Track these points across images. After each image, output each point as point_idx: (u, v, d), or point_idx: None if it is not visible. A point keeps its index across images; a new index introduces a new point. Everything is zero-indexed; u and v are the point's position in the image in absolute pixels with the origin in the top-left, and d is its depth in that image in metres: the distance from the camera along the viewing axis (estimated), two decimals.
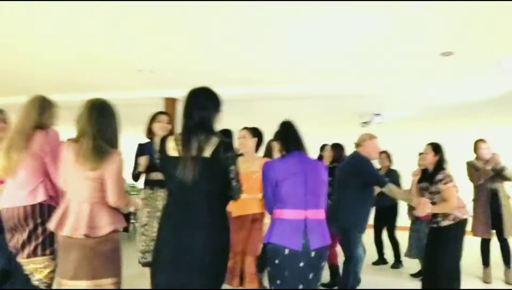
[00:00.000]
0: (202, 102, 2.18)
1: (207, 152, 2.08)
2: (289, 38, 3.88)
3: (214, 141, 2.10)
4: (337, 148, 4.96)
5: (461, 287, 3.77)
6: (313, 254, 2.38)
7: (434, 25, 3.46)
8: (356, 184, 3.73)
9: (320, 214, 2.47)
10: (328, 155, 4.96)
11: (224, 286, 2.37)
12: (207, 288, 2.06)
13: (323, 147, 5.13)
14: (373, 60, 4.49)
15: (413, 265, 5.36)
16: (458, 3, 3.00)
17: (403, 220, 5.50)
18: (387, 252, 5.85)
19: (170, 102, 6.03)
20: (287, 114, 7.02)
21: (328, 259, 4.04)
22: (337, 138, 5.13)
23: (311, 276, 2.41)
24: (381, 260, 5.84)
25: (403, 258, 5.51)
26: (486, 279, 4.98)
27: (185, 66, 4.80)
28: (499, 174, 4.82)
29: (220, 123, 2.25)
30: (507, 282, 4.89)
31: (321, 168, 2.61)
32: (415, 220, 5.00)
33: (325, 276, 4.07)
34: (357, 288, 3.92)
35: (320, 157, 5.05)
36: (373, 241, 5.82)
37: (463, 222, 3.72)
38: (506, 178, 4.85)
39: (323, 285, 4.35)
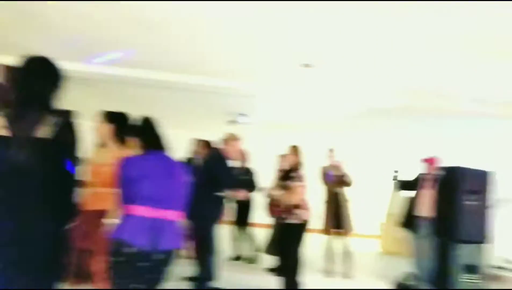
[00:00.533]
0: (39, 74, 1.89)
1: (43, 132, 1.81)
2: (159, 21, 3.59)
3: (51, 120, 1.84)
4: (207, 145, 4.94)
5: (304, 279, 4.21)
6: (160, 254, 2.31)
7: (296, 36, 3.59)
8: (210, 180, 3.93)
9: (174, 215, 2.41)
10: (200, 151, 4.89)
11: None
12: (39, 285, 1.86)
13: (195, 142, 5.03)
14: (238, 60, 4.49)
15: (270, 260, 5.57)
16: (321, 16, 3.16)
17: (262, 217, 5.67)
18: (244, 247, 5.97)
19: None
20: (152, 102, 6.62)
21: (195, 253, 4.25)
22: (203, 134, 5.06)
23: (155, 276, 2.36)
24: (237, 256, 5.95)
25: (261, 254, 5.72)
26: (328, 272, 5.49)
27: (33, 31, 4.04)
28: (341, 180, 5.45)
29: (69, 103, 1.92)
30: (345, 276, 5.46)
31: (181, 169, 2.55)
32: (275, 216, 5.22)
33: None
34: (213, 283, 4.03)
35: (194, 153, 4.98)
36: (230, 237, 5.88)
37: (306, 222, 4.22)
38: (346, 184, 5.48)
39: (190, 279, 4.24)
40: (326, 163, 5.53)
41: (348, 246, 5.51)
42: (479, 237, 4.64)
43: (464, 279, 4.52)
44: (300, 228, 4.19)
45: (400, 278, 3.89)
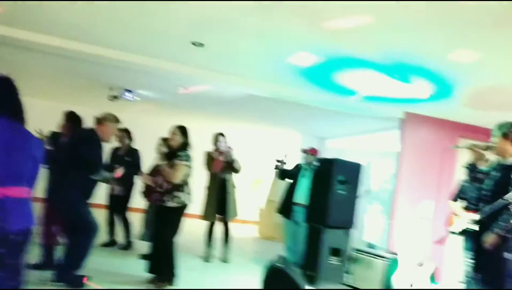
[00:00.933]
0: None
1: None
2: None
3: None
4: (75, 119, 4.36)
5: (183, 264, 4.13)
6: (13, 236, 2.03)
7: (188, 11, 3.37)
8: (76, 160, 3.70)
9: (23, 192, 2.12)
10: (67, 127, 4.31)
11: None
12: None
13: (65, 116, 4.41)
14: (128, 32, 4.10)
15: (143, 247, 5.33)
16: None
17: (138, 201, 5.38)
18: (118, 233, 5.61)
19: None
20: (15, 65, 5.67)
21: (45, 238, 3.99)
22: (81, 108, 4.53)
23: (11, 261, 2.06)
24: (111, 242, 5.56)
25: (136, 240, 5.43)
26: (206, 257, 5.46)
27: None
28: (230, 166, 5.40)
29: None
30: (224, 260, 5.52)
31: (34, 141, 2.24)
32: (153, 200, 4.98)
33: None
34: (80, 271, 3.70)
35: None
36: (105, 222, 5.46)
37: (185, 206, 4.13)
38: (235, 170, 5.46)
39: (34, 266, 3.78)
40: (214, 148, 5.45)
41: (229, 231, 5.57)
42: (346, 223, 5.08)
43: (330, 261, 4.92)
44: (179, 212, 4.07)
45: (272, 261, 4.06)
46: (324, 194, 4.98)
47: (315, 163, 5.46)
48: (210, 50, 4.29)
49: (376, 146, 7.32)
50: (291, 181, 5.66)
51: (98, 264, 4.22)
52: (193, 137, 4.25)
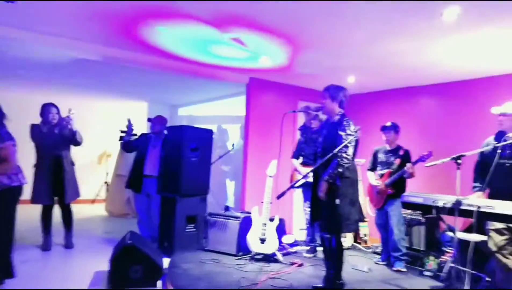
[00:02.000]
0: None
1: None
2: None
3: None
4: None
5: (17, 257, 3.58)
6: None
7: None
8: None
9: None
10: None
11: None
12: None
13: None
14: None
15: None
16: None
17: None
18: None
19: None
20: None
21: None
22: None
23: None
24: None
25: None
26: (45, 247, 4.79)
27: None
28: (67, 139, 4.78)
29: None
30: (67, 246, 4.93)
31: None
32: None
33: None
34: None
35: None
36: None
37: (15, 189, 3.49)
38: (74, 143, 4.85)
39: None
40: (45, 120, 4.71)
41: (70, 214, 4.97)
42: (200, 190, 5.05)
43: (187, 229, 4.86)
44: (8, 196, 3.44)
45: (122, 238, 3.81)
46: (175, 162, 4.83)
47: (163, 132, 5.23)
48: (22, 7, 3.58)
49: (226, 111, 7.44)
50: (140, 153, 5.32)
51: None
52: (15, 109, 3.53)
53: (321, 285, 3.63)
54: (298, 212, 5.92)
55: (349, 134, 3.36)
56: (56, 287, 3.54)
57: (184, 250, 4.70)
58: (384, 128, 4.71)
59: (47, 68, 5.80)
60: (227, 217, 4.82)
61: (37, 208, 4.81)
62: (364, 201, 5.49)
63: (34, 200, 4.67)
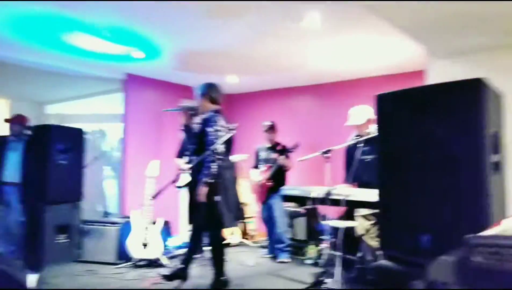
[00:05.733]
0: None
1: None
2: None
3: None
4: None
5: None
6: None
7: None
8: None
9: None
10: None
11: None
12: None
13: None
14: None
15: None
16: None
17: None
18: None
19: None
20: None
21: None
22: None
23: None
24: None
25: None
26: None
27: None
28: None
29: None
30: None
31: None
32: None
33: None
34: None
35: None
36: None
37: None
38: None
39: None
40: None
41: None
42: (72, 196, 4.57)
43: (58, 240, 4.36)
44: None
45: None
46: (40, 166, 4.29)
47: (25, 132, 4.58)
48: None
49: (102, 109, 6.87)
50: None
51: None
52: None
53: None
54: (185, 213, 5.76)
55: (218, 130, 3.33)
56: None
57: (55, 264, 4.20)
58: (263, 127, 4.86)
59: None
60: (104, 224, 4.45)
61: None
62: (251, 198, 5.58)
63: None
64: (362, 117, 3.75)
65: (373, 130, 3.67)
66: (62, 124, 4.84)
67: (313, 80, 5.79)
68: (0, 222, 4.57)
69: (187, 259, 3.56)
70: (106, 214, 4.89)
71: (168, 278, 3.52)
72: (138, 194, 5.06)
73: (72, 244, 4.49)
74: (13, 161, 4.52)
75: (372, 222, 3.53)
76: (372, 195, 3.12)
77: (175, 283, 3.51)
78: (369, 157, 3.58)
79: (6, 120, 4.70)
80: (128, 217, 4.52)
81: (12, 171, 4.49)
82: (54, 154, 4.37)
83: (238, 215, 3.75)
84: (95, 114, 6.91)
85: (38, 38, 4.20)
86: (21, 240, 4.40)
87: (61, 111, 7.47)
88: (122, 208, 5.47)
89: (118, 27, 3.85)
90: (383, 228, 2.62)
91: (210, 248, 3.49)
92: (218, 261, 3.47)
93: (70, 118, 6.89)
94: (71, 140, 4.61)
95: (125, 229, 4.37)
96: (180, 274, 3.51)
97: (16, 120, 4.64)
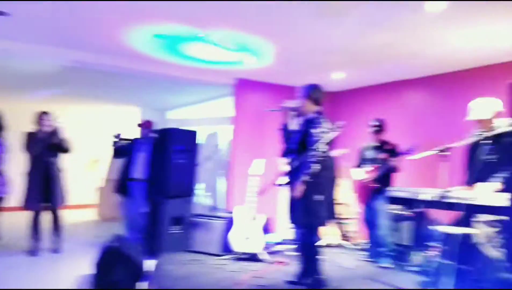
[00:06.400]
0: None
1: None
2: None
3: None
4: None
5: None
6: None
7: None
8: None
9: None
10: None
11: None
12: None
13: None
14: None
15: None
16: None
17: None
18: None
19: None
20: None
21: None
22: None
23: None
24: None
25: None
26: (33, 253, 4.81)
27: None
28: (58, 146, 4.83)
29: None
30: (55, 251, 4.96)
31: None
32: None
33: None
34: None
35: None
36: None
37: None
38: (63, 151, 4.91)
39: None
40: (36, 128, 4.77)
41: (59, 219, 5.01)
42: (186, 191, 5.07)
43: (172, 231, 4.87)
44: None
45: (107, 242, 3.81)
46: (162, 165, 4.86)
47: (151, 135, 5.25)
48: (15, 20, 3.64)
49: (214, 113, 7.45)
50: (128, 157, 5.34)
51: None
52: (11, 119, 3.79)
53: (294, 280, 3.63)
54: (284, 211, 5.91)
55: (321, 132, 3.37)
56: None
57: (170, 252, 4.72)
58: (370, 124, 4.70)
59: (39, 78, 5.87)
60: (212, 218, 4.83)
61: (22, 215, 4.83)
62: (352, 198, 5.47)
63: (25, 207, 4.73)
64: (487, 110, 3.38)
65: (500, 125, 3.32)
66: (180, 128, 5.40)
67: (429, 70, 5.23)
68: (127, 213, 5.32)
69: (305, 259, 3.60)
70: (214, 209, 5.30)
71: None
72: (243, 191, 5.38)
73: (184, 235, 4.98)
74: (141, 160, 5.22)
75: (497, 229, 3.19)
76: (499, 199, 2.83)
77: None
78: (494, 157, 3.24)
79: (138, 125, 5.45)
80: (231, 212, 4.83)
81: (140, 169, 5.19)
82: (173, 154, 4.89)
83: (332, 215, 3.74)
84: (208, 117, 7.52)
85: (165, 51, 4.70)
86: (143, 229, 5.05)
87: (179, 116, 8.32)
88: (228, 204, 5.86)
89: (232, 34, 4.06)
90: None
91: (304, 246, 3.54)
92: (312, 259, 3.52)
93: (186, 122, 7.63)
94: (187, 141, 5.11)
95: (230, 223, 4.69)
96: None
97: (145, 125, 5.36)
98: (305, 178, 3.35)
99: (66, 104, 8.06)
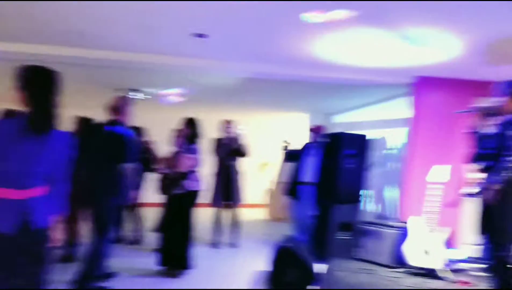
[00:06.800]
0: None
1: None
2: None
3: None
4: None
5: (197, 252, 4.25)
6: (32, 235, 2.05)
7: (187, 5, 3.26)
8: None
9: (44, 190, 2.12)
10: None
11: None
12: None
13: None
14: (125, 31, 4.02)
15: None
16: None
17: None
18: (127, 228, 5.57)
19: None
20: None
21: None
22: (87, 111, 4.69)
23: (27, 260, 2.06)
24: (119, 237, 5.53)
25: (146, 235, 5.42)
26: (216, 245, 5.44)
27: None
28: (237, 152, 5.39)
29: None
30: (232, 246, 5.46)
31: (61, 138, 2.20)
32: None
33: None
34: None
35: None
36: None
37: (195, 193, 4.20)
38: (241, 155, 5.44)
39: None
40: (222, 134, 5.43)
41: (237, 217, 5.51)
42: (355, 197, 4.93)
43: (340, 236, 4.78)
44: (188, 199, 4.14)
45: (281, 241, 3.97)
46: (332, 169, 4.83)
47: (321, 139, 5.30)
48: (212, 41, 4.17)
49: (384, 115, 7.07)
50: (297, 161, 5.52)
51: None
52: (204, 127, 4.45)
53: None
54: (470, 224, 5.15)
55: None
56: (223, 281, 3.97)
57: (336, 257, 4.63)
58: None
59: (224, 90, 6.60)
60: (382, 226, 4.56)
61: (206, 212, 5.43)
62: None
63: (213, 204, 5.38)
64: None
65: None
66: (348, 132, 5.29)
67: None
68: (296, 215, 5.46)
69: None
70: (383, 217, 4.99)
71: None
72: (419, 200, 4.91)
73: (352, 242, 4.82)
74: (311, 164, 5.31)
75: None
76: None
77: None
78: None
79: (310, 130, 5.59)
80: (405, 223, 4.46)
81: (308, 173, 5.29)
82: (344, 159, 4.84)
83: None
84: (375, 120, 7.18)
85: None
86: (311, 232, 5.10)
87: (345, 120, 8.19)
88: (401, 213, 5.42)
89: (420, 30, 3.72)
90: None
91: (499, 265, 3.02)
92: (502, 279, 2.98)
93: (352, 126, 7.44)
94: (358, 146, 4.98)
95: (404, 234, 4.34)
96: None
97: (316, 129, 5.45)
98: (501, 186, 2.85)
99: (244, 113, 8.83)
